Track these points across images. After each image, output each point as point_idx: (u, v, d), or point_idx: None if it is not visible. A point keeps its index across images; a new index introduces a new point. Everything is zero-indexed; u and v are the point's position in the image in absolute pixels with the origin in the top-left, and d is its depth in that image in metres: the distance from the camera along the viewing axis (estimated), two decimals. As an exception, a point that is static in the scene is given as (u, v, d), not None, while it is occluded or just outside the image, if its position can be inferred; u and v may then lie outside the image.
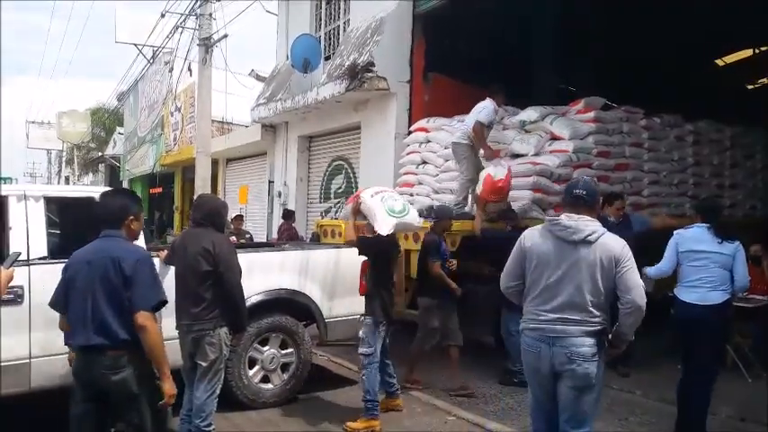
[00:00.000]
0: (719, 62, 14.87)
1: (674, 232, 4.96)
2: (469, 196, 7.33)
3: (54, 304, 3.23)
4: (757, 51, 14.18)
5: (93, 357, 3.04)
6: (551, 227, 3.39)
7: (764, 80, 15.97)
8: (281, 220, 11.77)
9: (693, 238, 4.80)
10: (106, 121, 32.86)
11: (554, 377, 3.30)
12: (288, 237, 10.96)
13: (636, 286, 3.24)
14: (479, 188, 6.84)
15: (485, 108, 7.15)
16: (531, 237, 3.48)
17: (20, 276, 4.13)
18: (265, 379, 5.42)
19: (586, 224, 3.31)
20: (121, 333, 3.03)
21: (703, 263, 4.70)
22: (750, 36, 13.00)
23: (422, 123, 8.98)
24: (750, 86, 16.24)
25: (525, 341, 3.41)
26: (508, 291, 3.58)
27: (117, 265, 3.04)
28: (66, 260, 3.24)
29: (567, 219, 3.35)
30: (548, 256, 3.33)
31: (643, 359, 6.34)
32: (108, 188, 4.35)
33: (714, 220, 4.90)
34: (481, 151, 7.34)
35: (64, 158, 43.91)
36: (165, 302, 3.20)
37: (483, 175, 6.86)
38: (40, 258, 4.42)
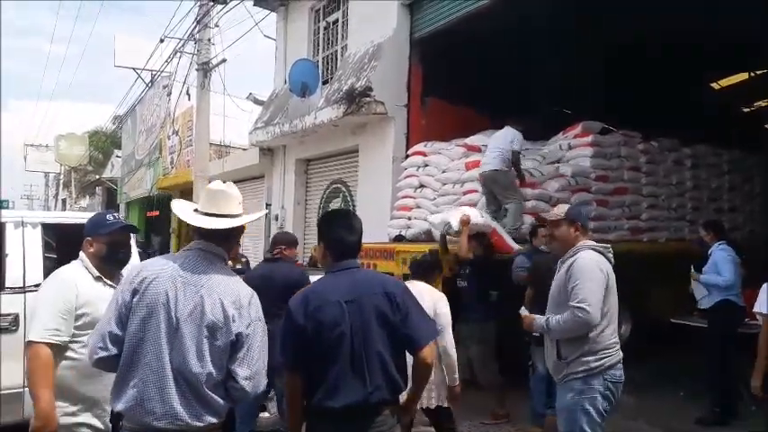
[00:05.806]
0: (715, 86, 14.96)
1: (721, 248, 5.62)
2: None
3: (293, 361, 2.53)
4: (752, 75, 14.28)
5: (370, 419, 2.45)
6: (608, 253, 3.35)
7: (761, 103, 16.09)
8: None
9: (732, 251, 5.62)
10: (104, 144, 32.89)
11: None
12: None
13: None
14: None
15: (515, 137, 7.12)
16: (606, 264, 3.29)
17: (15, 303, 4.09)
18: (262, 408, 5.33)
19: None
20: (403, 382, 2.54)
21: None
22: (745, 59, 13.10)
23: (419, 147, 8.98)
24: (746, 110, 16.36)
25: (615, 375, 3.22)
26: (598, 322, 3.18)
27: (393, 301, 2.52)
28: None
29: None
30: (612, 284, 3.28)
31: (645, 386, 6.23)
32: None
33: (727, 236, 5.88)
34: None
35: (61, 181, 43.91)
36: None
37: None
38: (35, 285, 4.36)
